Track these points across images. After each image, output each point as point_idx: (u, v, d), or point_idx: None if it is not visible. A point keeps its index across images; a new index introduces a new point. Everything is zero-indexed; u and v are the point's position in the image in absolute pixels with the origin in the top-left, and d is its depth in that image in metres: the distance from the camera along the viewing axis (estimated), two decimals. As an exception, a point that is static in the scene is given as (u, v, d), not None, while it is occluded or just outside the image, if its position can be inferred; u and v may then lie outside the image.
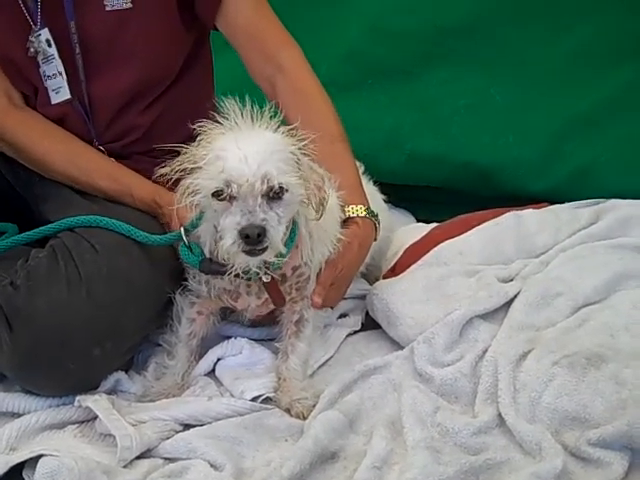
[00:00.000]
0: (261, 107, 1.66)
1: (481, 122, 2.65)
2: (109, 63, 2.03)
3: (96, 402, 1.75)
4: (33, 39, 2.00)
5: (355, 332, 2.09)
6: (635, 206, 2.32)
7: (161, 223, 1.98)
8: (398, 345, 1.99)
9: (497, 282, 2.06)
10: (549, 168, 2.59)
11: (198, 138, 1.66)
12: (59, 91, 2.04)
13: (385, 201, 2.27)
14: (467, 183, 2.66)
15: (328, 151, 1.83)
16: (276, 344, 1.92)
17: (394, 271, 2.21)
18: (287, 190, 1.61)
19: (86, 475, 1.57)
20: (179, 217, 1.87)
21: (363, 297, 2.13)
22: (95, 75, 2.03)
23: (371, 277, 2.24)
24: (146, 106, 2.10)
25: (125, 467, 1.65)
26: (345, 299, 2.12)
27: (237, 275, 1.75)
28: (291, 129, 1.67)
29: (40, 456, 1.61)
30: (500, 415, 1.72)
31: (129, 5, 1.99)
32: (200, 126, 1.65)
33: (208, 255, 1.79)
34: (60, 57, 2.00)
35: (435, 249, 2.20)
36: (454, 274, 2.09)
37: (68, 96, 2.04)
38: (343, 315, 2.12)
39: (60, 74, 2.02)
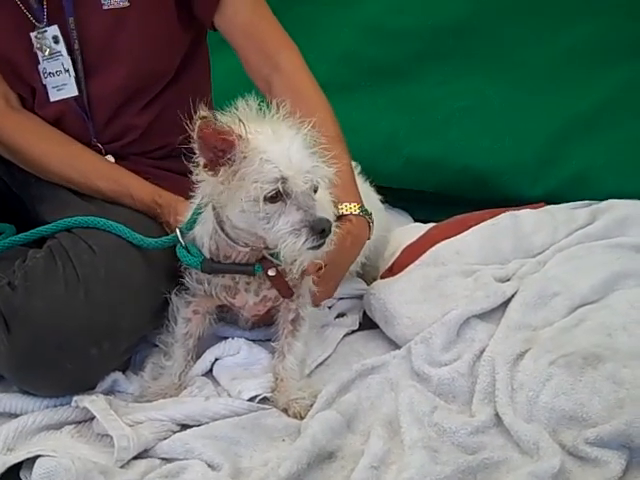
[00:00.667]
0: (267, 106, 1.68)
1: (478, 125, 2.64)
2: (106, 61, 2.04)
3: (93, 402, 1.75)
4: (39, 36, 2.01)
5: (353, 332, 2.09)
6: (632, 206, 2.33)
7: (160, 223, 1.98)
8: (395, 345, 1.99)
9: (494, 282, 2.06)
10: (546, 173, 2.57)
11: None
12: (62, 88, 2.05)
13: (382, 201, 2.27)
14: (464, 188, 2.65)
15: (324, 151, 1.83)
16: (273, 344, 1.92)
17: (392, 271, 2.21)
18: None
19: (83, 475, 1.57)
20: (179, 215, 1.88)
21: (361, 297, 2.14)
22: (93, 73, 2.04)
23: (368, 277, 2.25)
24: (144, 106, 2.10)
25: (122, 467, 1.65)
26: (343, 299, 2.13)
27: (241, 272, 1.76)
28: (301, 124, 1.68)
29: (37, 456, 1.61)
30: (497, 415, 1.72)
31: (126, 4, 2.00)
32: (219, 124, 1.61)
33: (208, 255, 1.80)
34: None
35: (432, 249, 2.20)
36: (451, 274, 2.10)
37: (75, 93, 2.04)
38: (341, 315, 2.13)
39: (67, 71, 2.02)
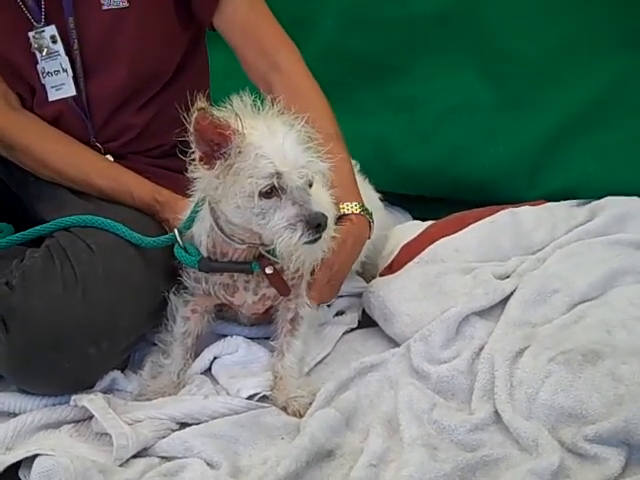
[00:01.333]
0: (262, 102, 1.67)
1: (470, 128, 2.58)
2: (106, 61, 2.04)
3: (92, 401, 1.75)
4: (37, 35, 2.01)
5: (352, 330, 2.09)
6: (631, 202, 2.33)
7: (158, 221, 1.99)
8: (395, 342, 1.99)
9: (493, 279, 2.06)
10: (542, 177, 2.52)
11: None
12: (60, 88, 2.05)
13: (381, 200, 2.27)
14: (461, 193, 2.61)
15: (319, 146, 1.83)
16: (272, 342, 1.92)
17: (391, 269, 2.21)
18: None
19: (82, 474, 1.57)
20: (178, 212, 1.88)
21: (360, 295, 2.14)
22: (92, 72, 2.04)
23: (367, 275, 2.24)
24: (142, 105, 2.10)
25: (121, 466, 1.65)
26: (342, 297, 2.13)
27: (238, 270, 1.76)
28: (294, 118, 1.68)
29: (36, 455, 1.61)
30: (497, 412, 1.72)
31: (125, 4, 2.00)
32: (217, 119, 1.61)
33: (205, 254, 1.80)
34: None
35: (431, 247, 2.20)
36: (450, 271, 2.09)
37: (73, 92, 2.04)
38: (340, 313, 2.12)
39: (65, 70, 2.02)
